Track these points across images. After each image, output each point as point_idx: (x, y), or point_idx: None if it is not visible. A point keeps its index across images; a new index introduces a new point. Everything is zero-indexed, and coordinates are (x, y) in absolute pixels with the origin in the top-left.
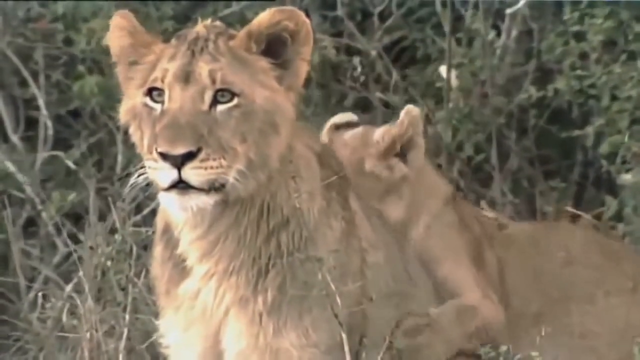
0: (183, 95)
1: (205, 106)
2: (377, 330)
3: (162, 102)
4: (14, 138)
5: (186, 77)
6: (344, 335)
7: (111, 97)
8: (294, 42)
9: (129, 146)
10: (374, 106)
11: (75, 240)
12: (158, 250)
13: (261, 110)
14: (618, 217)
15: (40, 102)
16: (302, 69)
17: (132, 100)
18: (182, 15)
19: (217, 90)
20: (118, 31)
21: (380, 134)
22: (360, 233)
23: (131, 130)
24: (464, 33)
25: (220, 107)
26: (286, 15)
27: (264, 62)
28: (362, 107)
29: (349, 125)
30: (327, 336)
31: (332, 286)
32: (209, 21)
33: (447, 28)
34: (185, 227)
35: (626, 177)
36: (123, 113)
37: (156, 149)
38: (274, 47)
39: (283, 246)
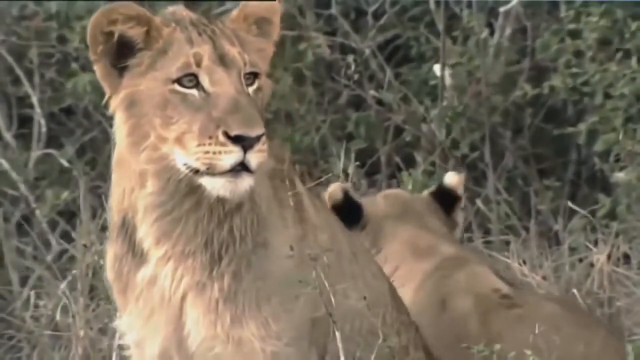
0: (229, 79)
1: (246, 89)
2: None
3: (198, 87)
4: (8, 136)
5: (222, 60)
6: (338, 335)
7: (104, 95)
8: (273, 26)
9: None
10: (368, 104)
11: (69, 238)
12: (114, 248)
13: (266, 94)
14: (611, 215)
15: (34, 100)
16: (271, 51)
17: (130, 88)
18: None
19: (245, 73)
20: (128, 21)
21: None
22: (306, 215)
23: (124, 118)
24: (458, 31)
25: (249, 89)
26: None
27: (262, 44)
28: (356, 105)
29: None
30: (289, 327)
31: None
32: (179, 4)
33: (441, 26)
34: (148, 208)
35: (619, 176)
36: (118, 102)
37: (225, 133)
38: (259, 29)
39: (235, 231)
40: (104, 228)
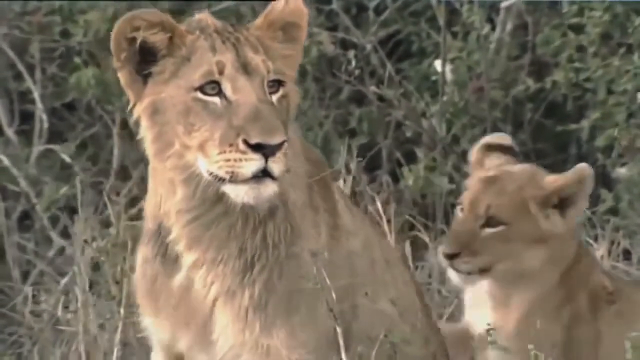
0: (251, 87)
1: (269, 97)
2: (364, 321)
3: (221, 95)
4: (9, 132)
5: (245, 68)
6: (339, 330)
7: (107, 89)
8: (301, 30)
9: (125, 139)
10: (369, 100)
11: (70, 234)
12: (144, 252)
13: (293, 101)
14: (613, 211)
15: (36, 95)
16: (301, 56)
17: (153, 95)
18: (177, 11)
19: (269, 81)
20: (151, 28)
21: (551, 181)
22: (340, 222)
23: (148, 125)
24: (459, 27)
25: (273, 97)
26: (297, 2)
27: (287, 51)
28: (357, 100)
29: (501, 148)
30: (313, 336)
31: (327, 280)
32: (205, 12)
33: (442, 22)
34: (179, 212)
35: (621, 171)
36: (142, 109)
37: (245, 141)
38: (286, 35)
39: (269, 238)
40: (106, 224)
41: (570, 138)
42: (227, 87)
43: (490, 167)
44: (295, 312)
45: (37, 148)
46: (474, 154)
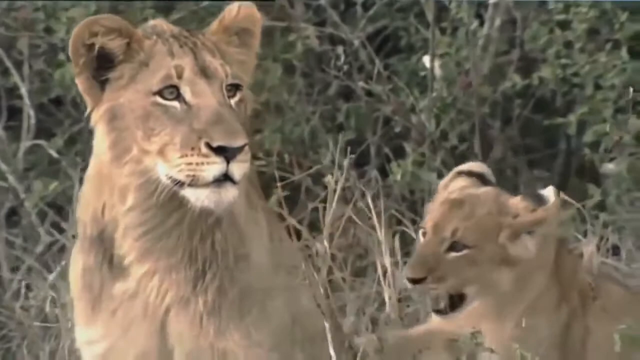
0: (211, 90)
1: (228, 101)
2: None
3: (180, 99)
4: None
5: (204, 72)
6: (327, 325)
7: None
8: (253, 36)
9: None
10: (358, 95)
11: (59, 229)
12: (84, 259)
13: (249, 105)
14: (601, 206)
15: (23, 91)
16: (254, 62)
17: (111, 101)
18: (163, 6)
19: (227, 85)
20: (109, 33)
21: (517, 206)
22: (272, 219)
23: (106, 131)
24: (447, 22)
25: (231, 101)
26: (251, 9)
27: (242, 56)
28: (346, 96)
29: (470, 173)
30: (269, 334)
31: (315, 275)
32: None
33: (430, 17)
34: (130, 226)
35: (609, 167)
36: (100, 115)
37: (207, 144)
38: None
39: (217, 245)
40: None
41: (559, 133)
42: (186, 91)
43: (452, 190)
44: (247, 313)
45: (25, 143)
46: (444, 179)
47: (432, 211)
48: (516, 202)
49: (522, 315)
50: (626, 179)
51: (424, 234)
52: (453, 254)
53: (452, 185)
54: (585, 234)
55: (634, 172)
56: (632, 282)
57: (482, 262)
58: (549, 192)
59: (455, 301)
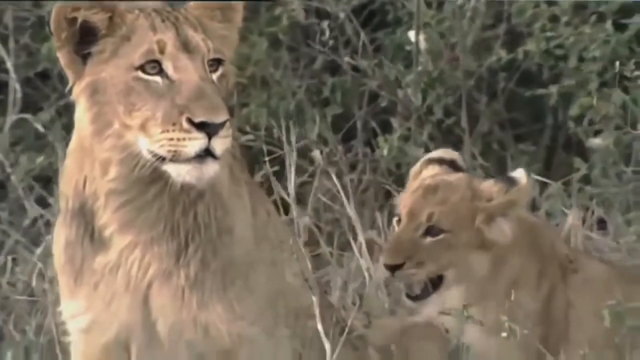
0: (193, 66)
1: (210, 76)
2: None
3: (162, 74)
4: None
5: (186, 47)
6: (315, 300)
7: None
8: (235, 12)
9: None
10: (344, 70)
11: (45, 204)
12: (66, 233)
13: (231, 80)
14: (587, 180)
15: (9, 65)
16: (237, 38)
17: (93, 75)
18: None
19: (209, 60)
20: (92, 7)
21: (489, 190)
22: (256, 192)
23: (87, 105)
24: None
25: (213, 76)
26: None
27: (224, 31)
28: (332, 70)
29: (440, 160)
30: (252, 308)
31: (302, 249)
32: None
33: None
34: (110, 195)
35: (595, 141)
36: (81, 89)
37: (189, 119)
38: (223, 15)
39: (200, 218)
40: None
41: (545, 107)
42: (168, 66)
43: (425, 177)
44: (230, 286)
45: (11, 117)
46: (414, 167)
47: (405, 199)
48: (489, 186)
49: (505, 293)
50: (612, 152)
51: (399, 221)
52: (430, 239)
53: (424, 173)
54: (570, 208)
55: (620, 146)
56: (618, 256)
57: (459, 246)
58: (520, 174)
59: (428, 288)
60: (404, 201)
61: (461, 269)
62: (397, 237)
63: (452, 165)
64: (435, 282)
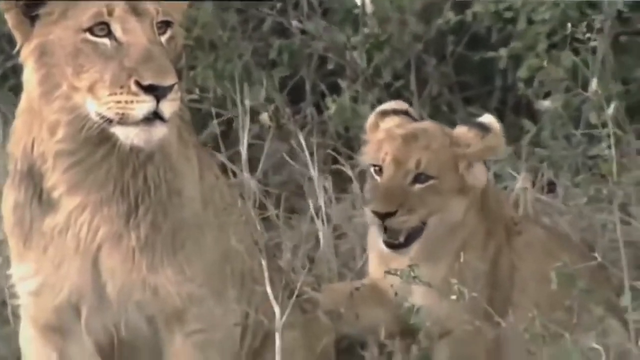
0: (142, 29)
1: (159, 38)
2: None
3: (110, 36)
4: None
5: (134, 9)
6: (264, 262)
7: None
8: None
9: None
10: (291, 32)
11: None
12: (15, 195)
13: (179, 43)
14: (537, 142)
15: None
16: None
17: (41, 37)
18: None
19: (158, 22)
20: None
21: (466, 136)
22: (203, 156)
23: (35, 67)
24: None
25: (162, 39)
26: None
27: None
28: (280, 32)
29: (395, 112)
30: (202, 270)
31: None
32: None
33: None
34: (59, 156)
35: (544, 103)
36: (29, 51)
37: (137, 82)
38: None
39: (149, 180)
40: None
41: (494, 70)
42: (116, 29)
43: (390, 127)
44: (180, 248)
45: None
46: (369, 120)
47: (375, 149)
48: (464, 132)
49: (456, 254)
50: (562, 115)
51: (378, 171)
52: (418, 186)
53: (385, 124)
54: (519, 171)
55: (570, 108)
56: (568, 218)
57: (444, 192)
58: (489, 119)
59: (412, 236)
60: (383, 149)
61: (444, 215)
62: (387, 185)
63: (407, 116)
64: (417, 230)
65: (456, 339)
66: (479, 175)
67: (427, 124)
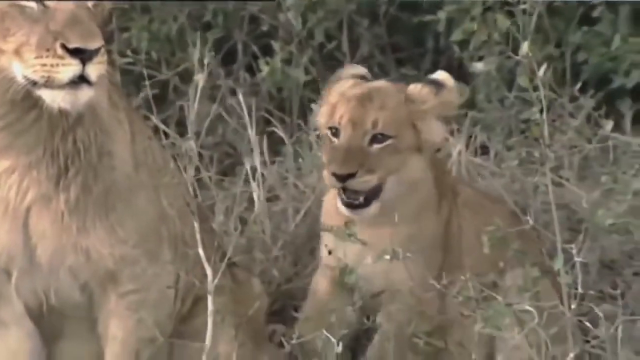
0: None
1: (85, 2)
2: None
3: (37, 0)
4: None
5: None
6: (196, 225)
7: None
8: None
9: None
10: None
11: None
12: None
13: (106, 6)
14: (470, 105)
15: None
16: None
17: None
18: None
19: None
20: None
21: (420, 93)
22: (136, 118)
23: None
24: None
25: (89, 2)
26: None
27: None
28: None
29: (353, 76)
30: (134, 231)
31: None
32: None
33: None
34: None
35: (478, 66)
36: None
37: (63, 45)
38: None
39: (79, 142)
40: None
41: (426, 32)
42: None
43: (345, 90)
44: (112, 210)
45: None
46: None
47: (330, 112)
48: (418, 89)
49: (415, 216)
50: (495, 77)
51: (334, 133)
52: (376, 146)
53: (341, 85)
54: (452, 133)
55: (503, 71)
56: (501, 181)
57: (402, 150)
58: (443, 75)
59: (371, 196)
60: (338, 110)
61: (402, 173)
62: (346, 146)
63: (363, 79)
64: (376, 190)
65: (406, 301)
66: (436, 132)
67: (381, 83)
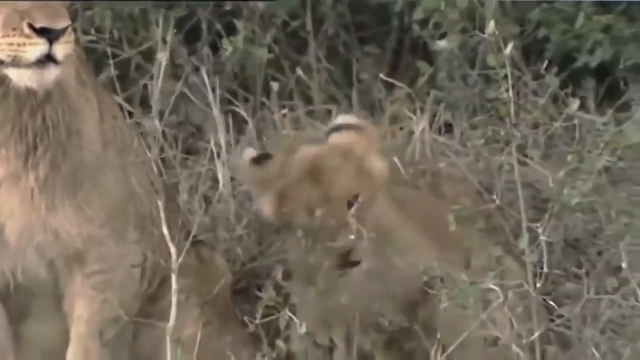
0: None
1: None
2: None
3: None
4: None
5: None
6: (160, 204)
7: None
8: None
9: None
10: None
11: None
12: None
13: None
14: (433, 84)
15: None
16: None
17: None
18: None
19: None
20: None
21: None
22: (105, 97)
23: None
24: None
25: None
26: None
27: None
28: None
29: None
30: (101, 210)
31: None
32: None
33: None
34: None
35: (440, 44)
36: None
37: (29, 25)
38: None
39: (48, 120)
40: None
41: (390, 10)
42: None
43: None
44: (79, 188)
45: None
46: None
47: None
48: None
49: None
50: (458, 55)
51: None
52: None
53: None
54: (415, 112)
55: (466, 49)
56: (466, 160)
57: None
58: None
59: None
60: None
61: None
62: None
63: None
64: None
65: None
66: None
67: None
